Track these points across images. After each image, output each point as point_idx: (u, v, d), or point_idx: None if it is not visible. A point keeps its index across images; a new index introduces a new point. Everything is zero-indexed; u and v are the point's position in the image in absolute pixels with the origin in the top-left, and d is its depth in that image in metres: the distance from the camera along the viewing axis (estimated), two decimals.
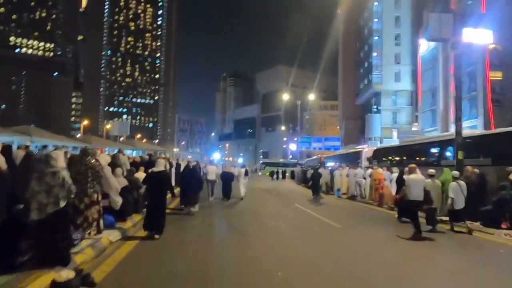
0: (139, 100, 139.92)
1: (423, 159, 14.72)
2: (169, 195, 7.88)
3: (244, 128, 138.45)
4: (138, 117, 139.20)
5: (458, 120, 10.05)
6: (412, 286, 4.54)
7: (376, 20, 46.01)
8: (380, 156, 18.85)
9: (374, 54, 45.62)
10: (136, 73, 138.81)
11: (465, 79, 26.88)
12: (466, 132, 11.08)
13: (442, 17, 9.61)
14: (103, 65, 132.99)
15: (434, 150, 14.19)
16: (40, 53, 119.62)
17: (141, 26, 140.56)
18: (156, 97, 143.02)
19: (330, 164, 28.46)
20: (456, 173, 8.66)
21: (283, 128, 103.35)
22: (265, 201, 15.17)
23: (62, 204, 3.90)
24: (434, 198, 8.21)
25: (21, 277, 3.54)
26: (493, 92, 27.02)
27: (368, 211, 12.19)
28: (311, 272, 4.86)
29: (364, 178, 15.29)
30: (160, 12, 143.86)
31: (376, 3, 46.40)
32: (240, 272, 4.74)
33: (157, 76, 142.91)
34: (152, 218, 6.48)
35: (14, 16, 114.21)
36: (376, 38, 45.80)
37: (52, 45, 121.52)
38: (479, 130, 19.71)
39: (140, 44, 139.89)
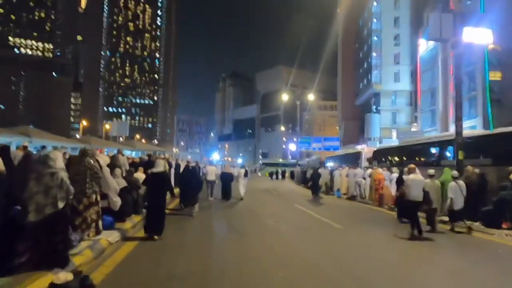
0: (138, 101, 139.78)
1: (423, 159, 14.71)
2: (168, 196, 7.85)
3: (244, 129, 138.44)
4: (137, 118, 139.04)
5: (458, 120, 10.02)
6: (411, 286, 4.52)
7: (375, 20, 46.05)
8: (380, 156, 18.85)
9: (374, 54, 45.64)
10: (135, 74, 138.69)
11: (465, 79, 26.85)
12: (466, 132, 11.07)
13: (443, 17, 9.60)
14: (102, 65, 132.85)
15: (434, 150, 14.18)
16: (39, 53, 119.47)
17: (140, 27, 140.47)
18: (156, 98, 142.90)
19: (330, 164, 28.46)
20: (455, 173, 8.64)
21: (282, 128, 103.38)
22: (265, 201, 15.14)
23: (61, 205, 3.86)
24: (433, 199, 8.18)
25: (18, 279, 3.50)
26: (493, 92, 27.04)
27: (368, 211, 12.16)
28: (311, 272, 4.84)
29: (364, 178, 15.26)
30: (159, 12, 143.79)
31: (375, 4, 46.43)
32: (240, 272, 4.71)
33: (156, 76, 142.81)
34: (152, 219, 6.45)
35: (13, 17, 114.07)
36: (375, 38, 45.82)
37: (51, 46, 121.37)
38: (479, 130, 19.69)
39: (139, 45, 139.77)
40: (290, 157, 69.42)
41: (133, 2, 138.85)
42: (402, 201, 8.36)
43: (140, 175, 8.90)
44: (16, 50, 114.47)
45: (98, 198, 5.62)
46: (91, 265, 4.57)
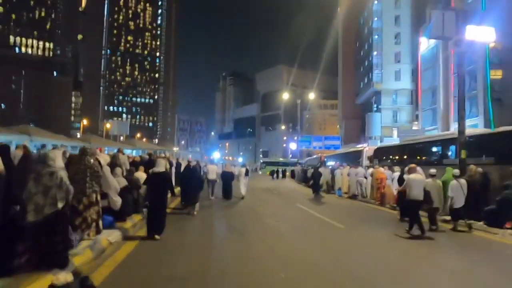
0: (138, 100, 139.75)
1: (424, 158, 14.64)
2: (169, 195, 7.80)
3: (244, 128, 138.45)
4: (138, 117, 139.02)
5: (461, 119, 9.95)
6: (413, 286, 4.48)
7: (376, 19, 45.93)
8: (381, 155, 18.77)
9: (374, 53, 45.54)
10: (136, 73, 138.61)
11: (465, 78, 26.66)
12: (468, 131, 11.00)
13: (445, 14, 9.52)
14: (102, 64, 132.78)
15: (436, 149, 14.11)
16: (39, 52, 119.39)
17: (141, 26, 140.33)
18: (156, 97, 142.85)
19: (331, 163, 28.39)
20: (456, 171, 8.60)
21: (283, 127, 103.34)
22: (266, 200, 15.10)
23: (60, 205, 3.80)
24: (435, 198, 8.13)
25: (18, 280, 3.46)
26: (493, 91, 26.96)
27: (370, 211, 12.12)
28: (312, 272, 4.80)
29: (365, 177, 15.21)
30: (159, 11, 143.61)
31: (376, 2, 46.30)
32: (240, 272, 4.67)
33: (156, 75, 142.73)
34: (153, 219, 6.43)
35: (13, 16, 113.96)
36: (376, 37, 45.72)
37: (52, 45, 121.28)
38: (480, 129, 19.62)
39: (140, 44, 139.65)
40: (290, 156, 69.30)
41: (133, 1, 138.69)
42: (404, 201, 8.33)
43: (140, 174, 8.85)
44: (16, 49, 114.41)
45: (98, 197, 5.56)
46: (91, 265, 4.53)
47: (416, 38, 40.79)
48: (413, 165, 8.71)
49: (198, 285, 4.15)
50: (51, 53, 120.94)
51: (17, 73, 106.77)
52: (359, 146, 29.38)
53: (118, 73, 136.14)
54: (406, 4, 44.62)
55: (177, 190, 12.34)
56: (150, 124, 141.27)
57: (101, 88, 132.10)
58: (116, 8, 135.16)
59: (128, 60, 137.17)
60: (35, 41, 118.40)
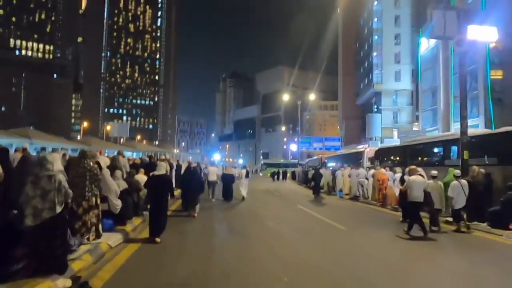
0: (139, 102, 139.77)
1: (426, 159, 14.57)
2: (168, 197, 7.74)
3: (244, 129, 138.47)
4: (138, 119, 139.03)
5: (463, 119, 9.88)
6: None
7: (376, 19, 45.94)
8: (382, 156, 18.70)
9: (374, 53, 45.53)
10: (136, 75, 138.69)
11: (466, 78, 26.73)
12: (470, 131, 10.92)
13: (447, 14, 9.47)
14: (102, 66, 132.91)
15: (438, 150, 14.04)
16: (39, 55, 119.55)
17: (141, 28, 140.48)
18: (156, 99, 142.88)
19: (331, 164, 28.31)
20: (457, 172, 8.54)
21: (283, 128, 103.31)
22: (266, 202, 15.02)
23: (59, 209, 3.74)
24: (435, 199, 8.07)
25: (15, 286, 3.39)
26: (494, 91, 26.91)
27: (371, 212, 12.04)
28: (314, 274, 4.74)
29: (367, 179, 15.12)
30: (159, 13, 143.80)
31: (376, 3, 46.32)
32: (242, 275, 4.61)
33: (156, 77, 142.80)
34: (154, 221, 6.42)
35: (13, 19, 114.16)
36: (376, 37, 45.71)
37: (52, 47, 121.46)
38: (481, 129, 19.54)
39: (140, 46, 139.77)
40: (290, 157, 69.23)
41: (133, 3, 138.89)
42: (405, 202, 8.28)
43: (141, 177, 8.78)
44: (16, 51, 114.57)
45: (98, 201, 5.51)
46: (91, 270, 4.45)
47: (416, 39, 40.77)
48: (413, 166, 8.67)
49: None
50: (51, 55, 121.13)
51: (17, 76, 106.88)
52: (360, 147, 29.32)
53: (118, 75, 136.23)
54: (406, 4, 44.63)
55: (178, 192, 12.31)
56: (150, 126, 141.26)
57: (101, 90, 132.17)
58: (116, 11, 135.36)
59: (128, 62, 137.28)
60: (35, 44, 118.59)
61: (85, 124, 73.29)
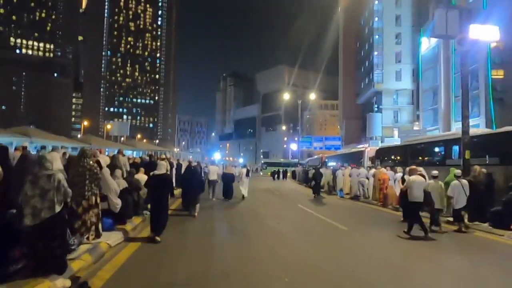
0: (139, 100, 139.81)
1: (427, 159, 14.52)
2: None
3: (245, 128, 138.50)
4: (138, 117, 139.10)
5: (465, 119, 9.83)
6: None
7: (376, 19, 45.86)
8: (382, 155, 18.66)
9: (375, 53, 45.46)
10: (136, 73, 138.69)
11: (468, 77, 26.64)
12: (472, 131, 10.87)
13: (448, 13, 9.41)
14: (103, 65, 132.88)
15: (439, 150, 13.99)
16: (40, 54, 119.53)
17: (141, 26, 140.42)
18: (156, 97, 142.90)
19: (332, 164, 28.28)
20: (458, 172, 8.51)
21: (283, 127, 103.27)
22: (267, 201, 14.99)
23: (58, 208, 3.70)
24: (436, 199, 8.03)
25: (14, 286, 3.35)
26: (495, 90, 26.84)
27: (372, 212, 12.00)
28: (315, 275, 4.71)
29: (367, 178, 15.08)
30: (160, 12, 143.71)
31: (376, 2, 46.23)
32: (242, 275, 4.58)
33: (157, 76, 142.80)
34: (155, 220, 6.44)
35: (14, 17, 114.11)
36: (377, 37, 45.64)
37: (52, 46, 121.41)
38: (482, 129, 19.48)
39: (140, 44, 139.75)
40: (291, 157, 69.23)
41: (133, 2, 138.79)
42: (406, 202, 8.26)
43: (141, 176, 8.75)
44: (17, 50, 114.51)
45: (98, 200, 5.47)
46: (90, 270, 4.41)
47: (416, 38, 40.68)
48: (413, 166, 8.63)
49: None
50: (51, 54, 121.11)
51: (17, 75, 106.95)
52: (360, 147, 29.28)
53: (118, 74, 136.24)
54: (406, 3, 44.55)
55: (178, 191, 12.29)
56: (151, 125, 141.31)
57: (102, 89, 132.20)
58: (116, 9, 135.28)
59: (129, 61, 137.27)
60: (35, 42, 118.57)
61: (86, 122, 73.30)
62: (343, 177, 17.16)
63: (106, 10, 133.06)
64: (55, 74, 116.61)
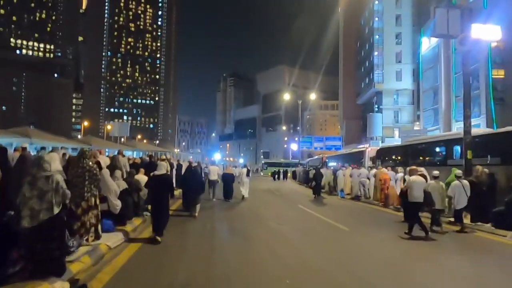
0: (139, 101, 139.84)
1: (428, 159, 14.47)
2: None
3: (245, 129, 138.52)
4: (139, 118, 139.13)
5: (467, 118, 9.78)
6: None
7: (377, 19, 45.84)
8: (383, 155, 18.61)
9: (375, 53, 45.42)
10: (137, 74, 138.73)
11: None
12: (473, 130, 10.82)
13: (449, 12, 9.36)
14: (103, 66, 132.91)
15: (440, 150, 13.93)
16: (40, 54, 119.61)
17: (141, 27, 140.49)
18: (157, 98, 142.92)
19: (332, 164, 28.23)
20: (459, 172, 8.46)
21: (283, 128, 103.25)
22: (267, 202, 14.94)
23: (56, 210, 3.65)
24: (436, 200, 7.98)
25: None
26: (496, 90, 26.79)
27: (374, 212, 11.94)
28: (318, 277, 4.65)
29: (368, 178, 15.03)
30: (160, 12, 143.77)
31: (376, 2, 46.21)
32: (244, 278, 4.52)
33: (157, 76, 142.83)
34: (155, 220, 6.45)
35: (14, 18, 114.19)
36: (377, 37, 45.60)
37: (52, 47, 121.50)
38: (483, 129, 19.44)
39: (140, 45, 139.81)
40: (291, 157, 69.20)
41: (134, 3, 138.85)
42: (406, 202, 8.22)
43: (141, 177, 8.70)
44: (17, 51, 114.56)
45: (97, 201, 5.42)
46: (90, 272, 4.37)
47: (417, 38, 40.65)
48: (413, 166, 8.58)
49: None
50: (51, 54, 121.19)
51: (18, 75, 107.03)
52: (361, 147, 29.22)
53: (118, 75, 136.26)
54: (407, 3, 44.52)
55: (178, 192, 12.24)
56: (151, 125, 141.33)
57: (102, 89, 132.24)
58: (116, 10, 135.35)
59: (129, 61, 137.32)
60: (36, 43, 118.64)
61: (86, 123, 73.27)
62: (344, 178, 17.11)
63: (106, 11, 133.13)
64: (55, 75, 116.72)
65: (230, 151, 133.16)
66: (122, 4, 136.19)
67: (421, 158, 14.79)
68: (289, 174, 39.59)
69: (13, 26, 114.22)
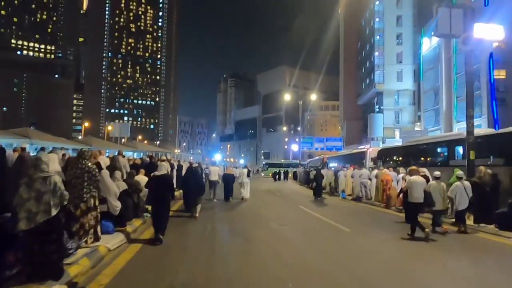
0: (140, 102, 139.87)
1: (430, 159, 14.39)
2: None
3: (245, 129, 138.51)
4: (139, 119, 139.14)
5: (469, 119, 9.70)
6: None
7: (377, 19, 45.75)
8: (385, 156, 18.53)
9: (376, 53, 45.33)
10: (137, 75, 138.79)
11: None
12: (475, 131, 10.73)
13: (452, 12, 9.29)
14: (104, 67, 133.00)
15: (442, 150, 13.85)
16: (41, 55, 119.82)
17: (142, 28, 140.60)
18: (157, 99, 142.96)
19: (333, 165, 28.14)
20: (460, 173, 8.38)
21: (284, 128, 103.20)
22: (268, 202, 14.86)
23: (54, 212, 3.58)
24: (437, 200, 7.90)
25: None
26: (497, 90, 26.68)
27: (375, 213, 11.86)
28: (320, 279, 4.58)
29: (370, 179, 14.95)
30: (160, 13, 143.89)
31: (377, 3, 46.13)
32: (246, 281, 4.45)
33: (157, 77, 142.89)
34: (156, 221, 6.43)
35: (15, 19, 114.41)
36: (378, 37, 45.51)
37: (53, 47, 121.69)
38: (485, 129, 19.34)
39: (141, 46, 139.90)
40: (292, 158, 69.12)
41: (134, 4, 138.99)
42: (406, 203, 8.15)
43: (141, 178, 8.63)
44: (18, 52, 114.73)
45: (97, 202, 5.35)
46: (88, 275, 4.30)
47: (418, 38, 40.55)
48: (414, 167, 8.50)
49: None
50: (52, 55, 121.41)
51: (18, 76, 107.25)
52: (362, 147, 29.13)
53: (119, 75, 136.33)
54: (408, 4, 44.45)
55: (179, 193, 12.17)
56: (152, 126, 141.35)
57: (102, 90, 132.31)
58: (117, 11, 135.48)
59: (129, 62, 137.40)
60: (36, 44, 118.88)
61: (86, 124, 73.22)
62: (345, 178, 17.03)
63: (107, 12, 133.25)
64: (56, 76, 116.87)
65: (231, 151, 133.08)
66: (122, 5, 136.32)
67: (422, 159, 14.71)
68: (289, 175, 39.50)
69: (14, 27, 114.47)
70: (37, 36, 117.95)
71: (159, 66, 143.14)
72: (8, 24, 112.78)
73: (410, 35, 44.14)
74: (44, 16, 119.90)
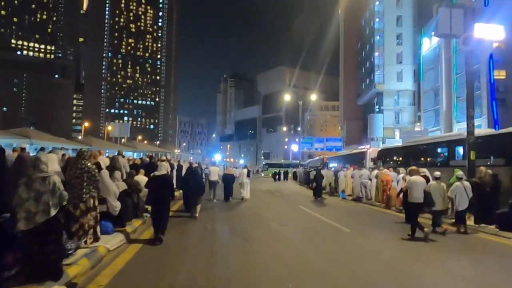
0: (140, 102, 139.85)
1: (430, 160, 14.37)
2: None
3: (245, 129, 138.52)
4: (139, 119, 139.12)
5: (470, 119, 9.68)
6: None
7: (377, 19, 45.75)
8: (385, 156, 18.52)
9: (376, 54, 45.33)
10: (137, 75, 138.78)
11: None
12: (475, 131, 10.72)
13: (452, 12, 9.28)
14: (104, 67, 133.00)
15: (442, 151, 13.84)
16: (41, 55, 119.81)
17: (142, 28, 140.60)
18: (157, 99, 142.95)
19: (333, 165, 28.13)
20: (460, 173, 8.37)
21: (284, 129, 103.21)
22: (268, 202, 14.85)
23: (53, 212, 3.56)
24: (437, 200, 7.89)
25: None
26: (497, 91, 26.67)
27: (375, 214, 11.84)
28: (321, 280, 4.57)
29: (370, 179, 14.93)
30: (160, 13, 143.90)
31: (377, 3, 46.13)
32: (245, 280, 4.44)
33: (157, 77, 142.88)
34: (156, 221, 6.43)
35: (15, 19, 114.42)
36: (378, 37, 45.52)
37: (53, 48, 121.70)
38: (485, 130, 19.34)
39: (141, 46, 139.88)
40: (291, 158, 69.10)
41: (134, 4, 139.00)
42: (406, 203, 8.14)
43: (141, 178, 8.62)
44: (18, 52, 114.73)
45: (96, 202, 5.33)
46: (88, 275, 4.28)
47: (418, 39, 40.55)
48: (414, 167, 8.49)
49: None
50: (52, 55, 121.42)
51: (18, 76, 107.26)
52: (361, 148, 29.12)
53: (119, 76, 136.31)
54: (408, 4, 44.45)
55: (179, 193, 12.17)
56: (151, 126, 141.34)
57: (102, 90, 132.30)
58: (117, 11, 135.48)
59: (129, 62, 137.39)
60: (36, 44, 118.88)
61: (86, 124, 73.24)
62: (345, 179, 17.01)
63: (107, 12, 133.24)
64: (56, 76, 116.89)
65: (231, 151, 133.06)
66: (122, 5, 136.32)
67: (422, 159, 14.70)
68: (289, 175, 39.49)
69: (14, 27, 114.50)
70: (37, 36, 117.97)
71: (159, 66, 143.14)
72: (8, 24, 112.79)
73: (410, 35, 44.14)
74: (44, 16, 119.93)
